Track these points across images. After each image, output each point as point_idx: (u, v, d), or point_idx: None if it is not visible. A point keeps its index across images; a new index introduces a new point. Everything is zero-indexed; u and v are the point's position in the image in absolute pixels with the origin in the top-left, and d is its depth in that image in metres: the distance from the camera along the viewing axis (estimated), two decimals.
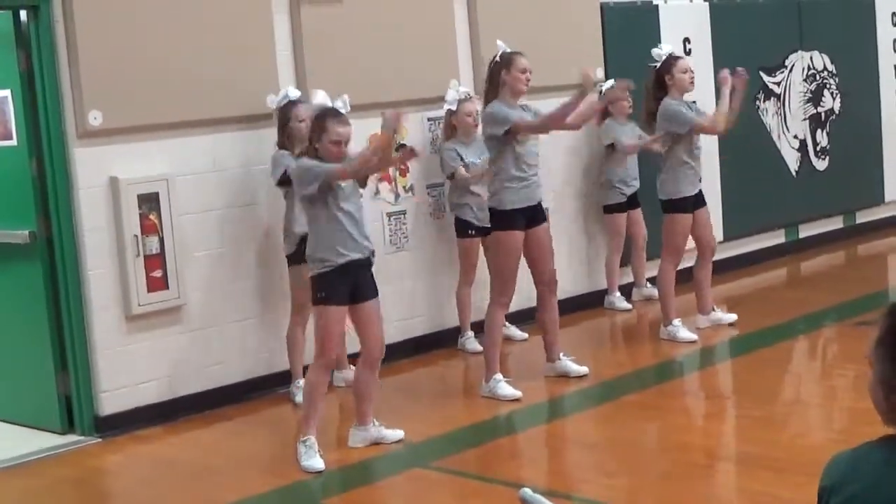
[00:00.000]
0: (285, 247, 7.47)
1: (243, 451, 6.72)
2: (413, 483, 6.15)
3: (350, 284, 6.23)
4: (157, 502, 6.09)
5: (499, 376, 7.32)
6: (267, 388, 7.75)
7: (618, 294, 9.65)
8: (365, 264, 6.30)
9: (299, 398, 7.42)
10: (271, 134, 7.67)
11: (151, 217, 7.24)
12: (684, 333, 8.37)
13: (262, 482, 6.13)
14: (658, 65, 8.30)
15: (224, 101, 7.56)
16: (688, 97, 8.42)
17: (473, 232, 8.39)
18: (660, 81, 8.29)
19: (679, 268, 8.52)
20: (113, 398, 7.16)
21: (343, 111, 6.24)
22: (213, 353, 7.57)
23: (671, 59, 8.32)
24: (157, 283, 7.26)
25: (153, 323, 7.31)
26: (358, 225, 6.24)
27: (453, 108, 8.34)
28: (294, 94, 7.47)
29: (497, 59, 7.29)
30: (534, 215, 7.33)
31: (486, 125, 7.26)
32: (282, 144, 7.38)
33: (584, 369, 7.65)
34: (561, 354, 7.68)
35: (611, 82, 9.40)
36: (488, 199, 7.40)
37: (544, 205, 7.59)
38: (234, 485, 6.13)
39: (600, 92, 9.44)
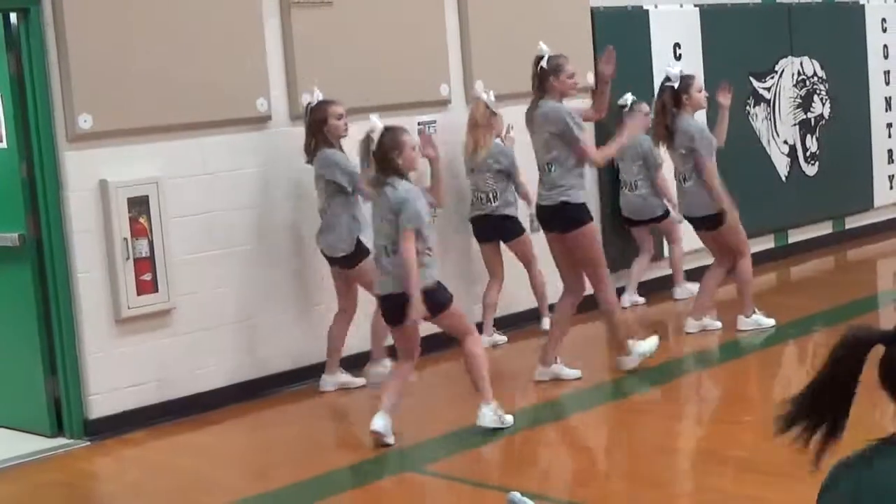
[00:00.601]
0: (342, 248, 7.51)
1: (233, 455, 6.72)
2: (405, 486, 6.15)
3: None
4: None
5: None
6: (257, 391, 7.73)
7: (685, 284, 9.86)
8: None
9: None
10: (261, 136, 7.67)
11: (141, 220, 7.22)
12: (764, 320, 8.66)
13: (251, 486, 6.12)
14: (676, 84, 8.38)
15: (214, 104, 7.55)
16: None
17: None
18: (676, 100, 8.38)
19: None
20: (102, 401, 7.14)
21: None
22: (202, 357, 7.55)
23: (688, 79, 8.46)
24: (147, 287, 7.25)
25: (142, 326, 7.29)
26: None
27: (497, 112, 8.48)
28: (319, 95, 7.47)
29: (544, 65, 7.38)
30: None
31: (558, 123, 7.35)
32: (326, 143, 7.44)
33: (576, 373, 7.67)
34: (557, 358, 7.70)
35: (629, 96, 9.44)
36: (557, 194, 7.43)
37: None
38: (223, 488, 6.11)
39: (622, 107, 9.44)
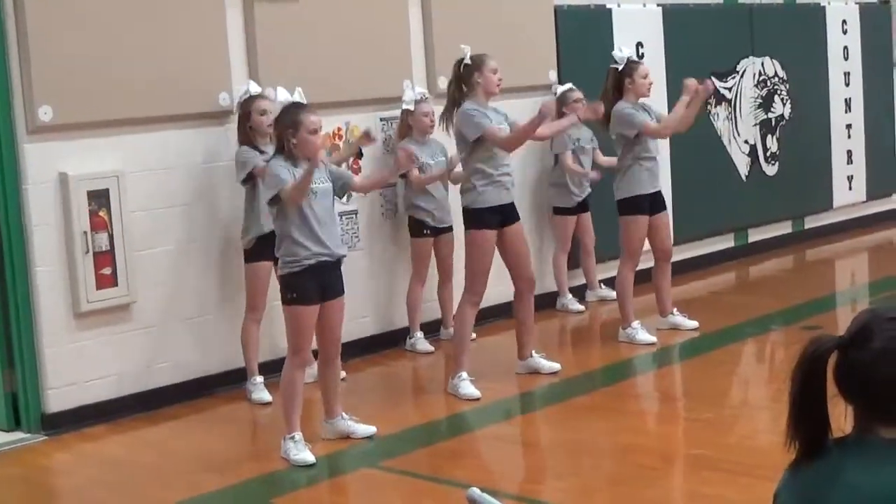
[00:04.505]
0: (243, 243, 7.47)
1: (192, 450, 6.69)
2: (362, 483, 6.15)
3: None
4: (104, 501, 6.05)
5: (464, 374, 7.35)
6: (216, 386, 7.71)
7: (570, 296, 9.67)
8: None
9: (257, 395, 7.44)
10: (224, 130, 7.64)
11: (101, 213, 7.18)
12: (643, 336, 8.39)
13: (210, 481, 6.10)
14: (620, 67, 8.30)
15: (176, 97, 7.51)
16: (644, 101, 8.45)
17: (428, 232, 8.40)
18: (618, 84, 8.31)
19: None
20: (60, 396, 7.10)
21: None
22: (162, 351, 7.52)
23: (632, 63, 8.35)
24: (107, 281, 7.21)
25: (102, 320, 7.25)
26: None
27: (410, 108, 8.35)
28: (255, 88, 7.44)
29: (467, 61, 7.31)
30: (507, 214, 7.38)
31: (462, 125, 7.27)
32: (244, 140, 7.35)
33: (556, 365, 7.68)
34: (533, 352, 7.71)
35: (568, 86, 9.40)
36: (462, 198, 7.40)
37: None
38: (182, 484, 6.09)
39: (554, 94, 9.45)
